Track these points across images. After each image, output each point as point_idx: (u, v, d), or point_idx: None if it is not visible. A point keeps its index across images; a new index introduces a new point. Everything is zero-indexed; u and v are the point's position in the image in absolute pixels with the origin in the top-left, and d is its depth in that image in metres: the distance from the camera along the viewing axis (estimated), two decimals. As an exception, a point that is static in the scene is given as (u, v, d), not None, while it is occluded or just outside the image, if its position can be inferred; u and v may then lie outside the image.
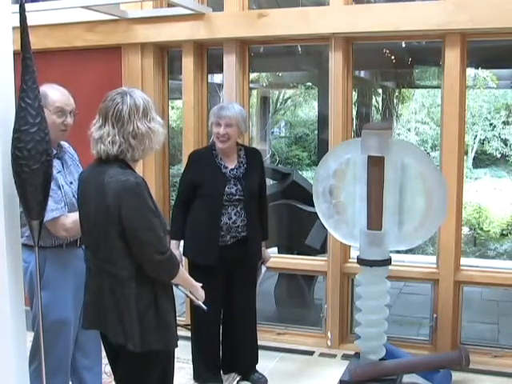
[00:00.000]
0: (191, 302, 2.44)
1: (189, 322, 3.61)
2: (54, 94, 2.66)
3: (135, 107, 2.15)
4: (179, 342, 2.30)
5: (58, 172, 2.64)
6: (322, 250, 4.65)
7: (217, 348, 3.52)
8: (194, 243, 3.36)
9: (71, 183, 2.71)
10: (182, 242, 3.44)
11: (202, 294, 2.39)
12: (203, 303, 2.40)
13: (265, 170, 3.58)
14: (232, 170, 3.36)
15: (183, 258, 3.43)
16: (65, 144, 2.83)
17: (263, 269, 3.55)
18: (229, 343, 3.54)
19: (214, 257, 3.28)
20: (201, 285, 2.40)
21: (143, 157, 2.25)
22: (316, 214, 3.51)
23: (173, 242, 3.35)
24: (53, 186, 2.41)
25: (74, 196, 2.67)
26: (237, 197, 3.32)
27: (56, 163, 2.39)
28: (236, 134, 3.36)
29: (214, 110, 3.38)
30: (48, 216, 2.48)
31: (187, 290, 2.35)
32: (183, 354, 3.51)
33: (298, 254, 4.82)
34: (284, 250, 5.08)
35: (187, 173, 3.44)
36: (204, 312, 2.44)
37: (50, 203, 2.45)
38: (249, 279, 3.50)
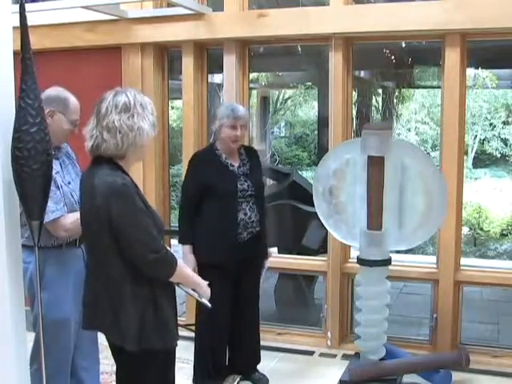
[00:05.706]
0: (197, 300, 2.37)
1: (189, 322, 3.60)
2: (74, 104, 2.69)
3: (114, 102, 2.14)
4: (179, 342, 2.29)
5: (57, 173, 2.63)
6: (320, 249, 4.65)
7: (225, 349, 3.49)
8: (211, 243, 3.30)
9: (69, 183, 2.71)
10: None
11: (207, 291, 2.34)
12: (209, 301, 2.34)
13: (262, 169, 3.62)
14: (239, 167, 3.37)
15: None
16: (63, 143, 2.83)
17: (266, 265, 3.56)
18: (233, 343, 3.50)
19: (233, 255, 3.27)
20: (207, 282, 2.36)
21: (128, 154, 2.17)
22: (316, 213, 3.51)
23: (186, 247, 3.33)
24: (52, 186, 2.41)
25: (72, 196, 2.67)
26: (249, 192, 3.34)
27: (54, 164, 2.39)
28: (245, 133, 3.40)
29: (226, 112, 3.31)
30: (48, 217, 2.49)
31: (189, 288, 2.31)
32: (184, 353, 3.49)
33: (297, 254, 4.81)
34: (284, 250, 5.08)
35: (194, 175, 3.37)
36: (212, 311, 2.41)
37: (50, 204, 2.44)
38: (255, 277, 3.50)
